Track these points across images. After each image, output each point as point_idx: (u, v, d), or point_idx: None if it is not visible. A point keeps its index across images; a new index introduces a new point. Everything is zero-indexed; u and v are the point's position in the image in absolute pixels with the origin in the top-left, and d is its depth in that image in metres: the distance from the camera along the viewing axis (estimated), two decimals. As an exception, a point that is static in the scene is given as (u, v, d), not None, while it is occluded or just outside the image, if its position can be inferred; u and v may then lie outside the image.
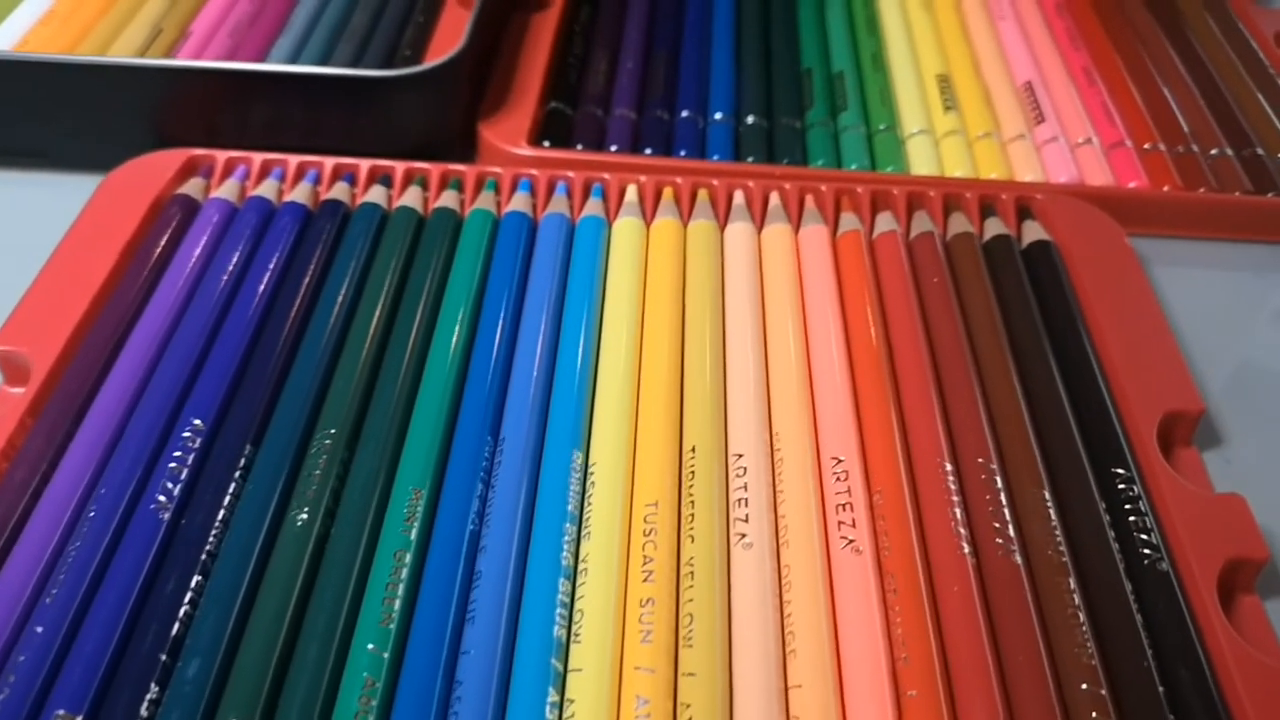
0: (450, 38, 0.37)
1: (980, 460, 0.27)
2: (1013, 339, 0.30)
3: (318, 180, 0.35)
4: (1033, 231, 0.34)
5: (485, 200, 0.34)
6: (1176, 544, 0.25)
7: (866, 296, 0.31)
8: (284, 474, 0.26)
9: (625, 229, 0.33)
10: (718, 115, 0.38)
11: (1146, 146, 0.37)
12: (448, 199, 0.34)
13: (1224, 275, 0.35)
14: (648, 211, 0.34)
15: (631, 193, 0.35)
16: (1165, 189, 0.36)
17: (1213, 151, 0.37)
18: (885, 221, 0.34)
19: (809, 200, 0.35)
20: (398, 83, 0.34)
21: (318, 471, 0.26)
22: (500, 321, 0.30)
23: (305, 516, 0.25)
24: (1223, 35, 0.43)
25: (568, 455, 0.27)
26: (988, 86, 0.40)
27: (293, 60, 0.39)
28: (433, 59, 0.36)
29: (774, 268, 0.32)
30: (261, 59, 0.39)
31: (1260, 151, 0.37)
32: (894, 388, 0.29)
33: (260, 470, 0.26)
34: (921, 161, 0.37)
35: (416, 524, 0.25)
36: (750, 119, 0.38)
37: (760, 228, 0.34)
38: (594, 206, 0.34)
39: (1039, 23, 0.43)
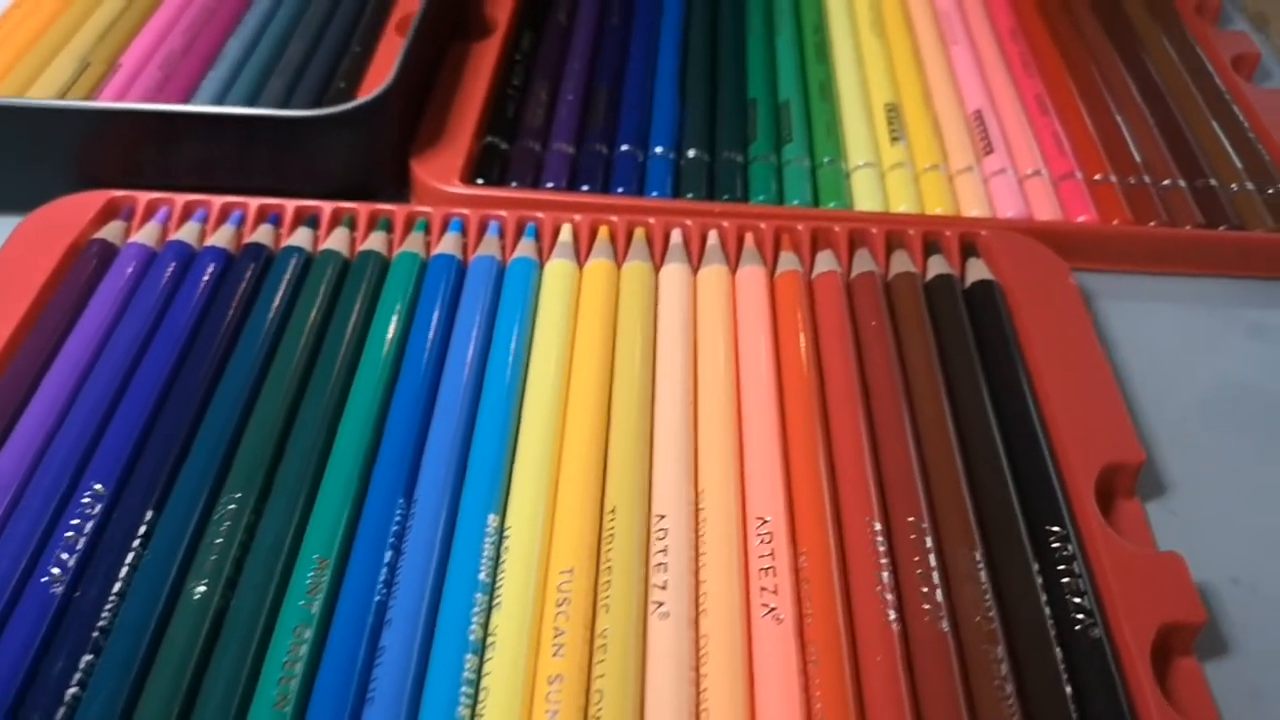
0: (388, 68, 0.36)
1: (911, 519, 0.26)
2: (951, 386, 0.29)
3: (242, 222, 0.34)
4: (976, 270, 0.33)
5: (414, 242, 0.33)
6: (1111, 607, 0.24)
7: (802, 343, 0.30)
8: (185, 542, 0.25)
9: (556, 272, 0.32)
10: (658, 149, 0.37)
11: (1097, 178, 0.36)
12: (374, 241, 0.33)
13: (1175, 311, 0.34)
14: (582, 251, 0.33)
15: (566, 232, 0.34)
16: (1115, 223, 0.35)
17: (1165, 183, 0.36)
18: (825, 261, 0.33)
19: (748, 239, 0.34)
20: (321, 122, 0.33)
21: (219, 539, 0.25)
22: (421, 373, 0.29)
23: (204, 589, 0.24)
24: (1180, 60, 0.42)
25: (482, 519, 0.26)
26: (937, 115, 0.39)
27: (223, 94, 0.38)
28: (368, 92, 0.35)
29: (708, 313, 0.31)
30: (191, 92, 0.38)
31: (1213, 183, 0.36)
32: (826, 441, 0.28)
33: (160, 538, 0.25)
34: (866, 196, 0.36)
35: (320, 595, 0.24)
36: (691, 153, 0.37)
37: (697, 268, 0.33)
38: (526, 248, 0.33)
39: (992, 47, 0.42)
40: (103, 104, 0.37)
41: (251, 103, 0.38)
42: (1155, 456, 0.30)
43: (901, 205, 0.35)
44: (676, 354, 0.30)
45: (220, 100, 0.38)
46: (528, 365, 0.30)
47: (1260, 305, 0.35)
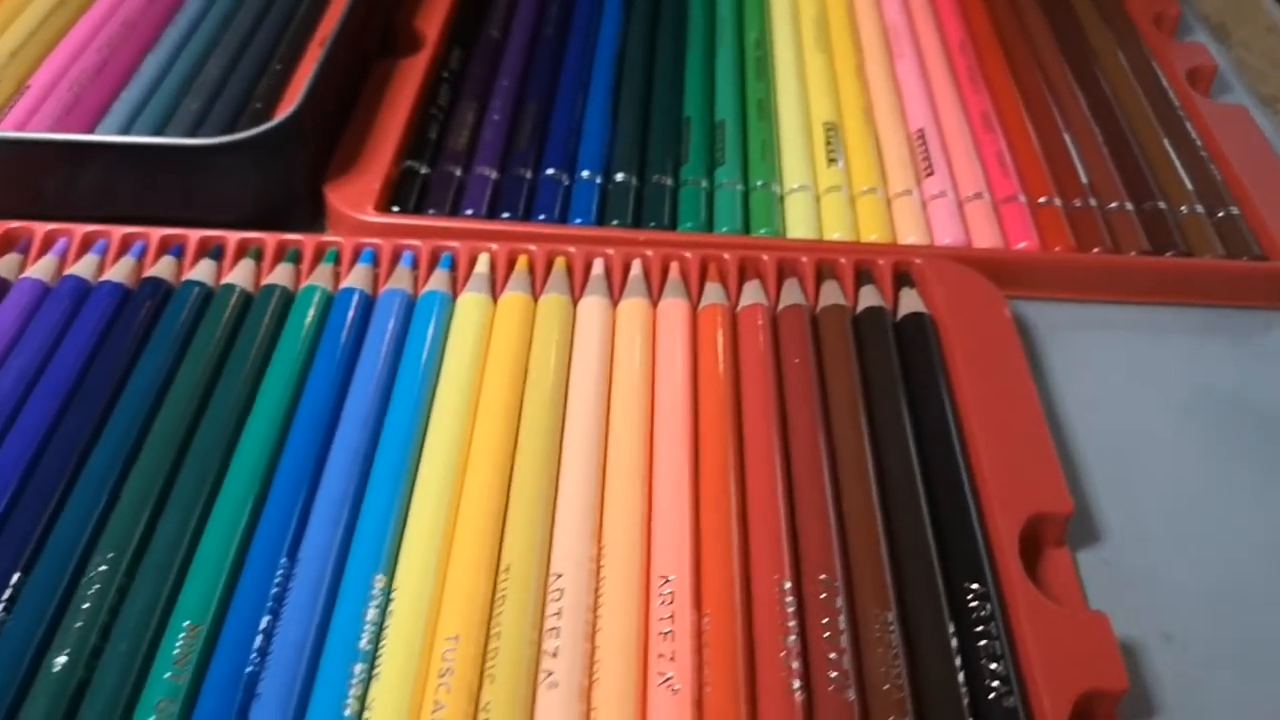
0: (327, 78, 0.35)
1: (823, 577, 0.24)
2: (875, 429, 0.28)
3: (143, 254, 0.32)
4: (909, 302, 0.31)
5: (321, 274, 0.32)
6: (1029, 673, 0.23)
7: (721, 383, 0.29)
8: (51, 607, 0.24)
9: (468, 306, 0.31)
10: (585, 173, 0.35)
11: (1041, 200, 0.35)
12: (280, 274, 0.32)
13: (1118, 341, 0.33)
14: (499, 283, 0.32)
15: (482, 263, 0.32)
16: (1056, 249, 0.33)
17: (1111, 205, 0.35)
18: (751, 293, 0.31)
19: (672, 269, 0.32)
20: (222, 150, 0.32)
21: (86, 605, 0.23)
22: (316, 419, 0.28)
23: (65, 659, 0.22)
24: (1133, 74, 0.41)
25: (368, 579, 0.24)
26: (879, 134, 0.37)
27: (135, 116, 0.37)
28: (285, 111, 0.34)
29: (625, 350, 0.30)
30: (101, 115, 0.37)
31: (1162, 205, 0.35)
32: (740, 491, 0.26)
33: (26, 603, 0.24)
34: (799, 221, 0.34)
35: (189, 666, 0.23)
36: (620, 176, 0.35)
37: (617, 301, 0.31)
38: (439, 279, 0.32)
39: (940, 62, 0.41)
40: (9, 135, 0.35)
41: (163, 125, 0.36)
42: (1091, 500, 0.29)
43: (835, 232, 0.34)
44: (588, 396, 0.28)
45: (130, 123, 0.36)
46: (430, 409, 0.28)
47: (1208, 335, 0.33)
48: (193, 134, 0.36)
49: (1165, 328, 0.33)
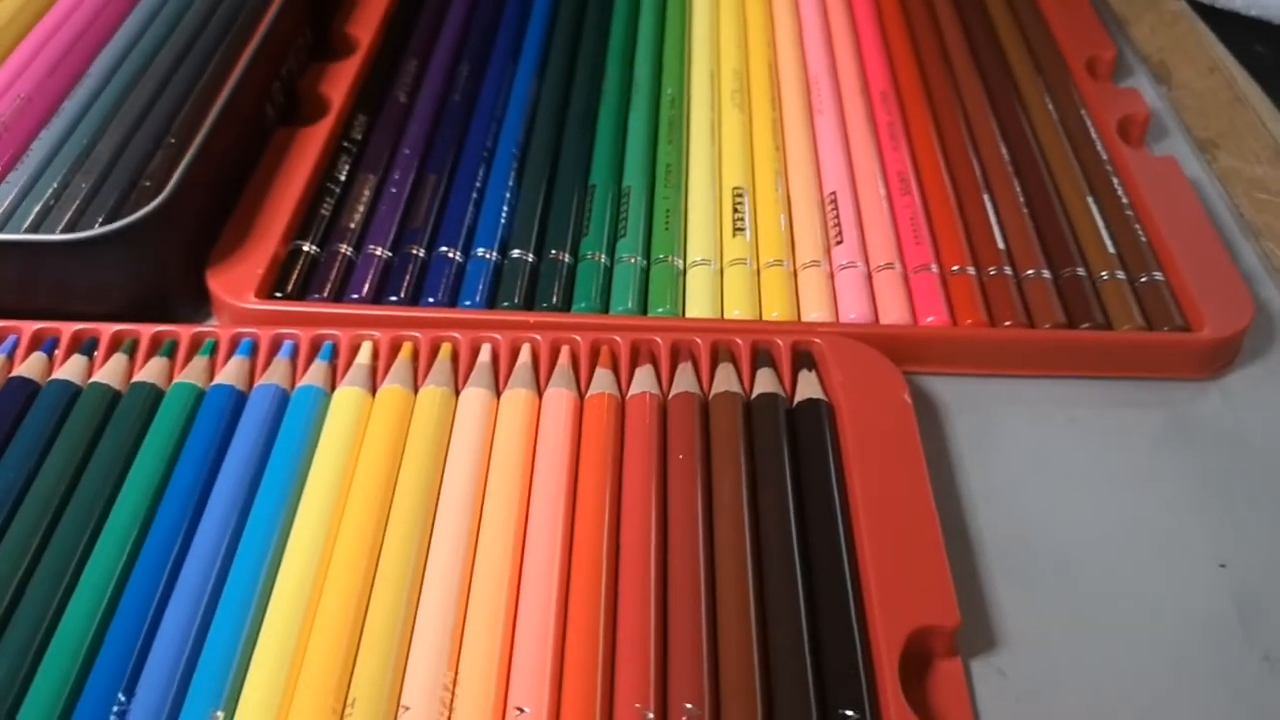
0: (206, 162, 0.34)
1: (689, 705, 0.23)
2: (759, 530, 0.27)
3: (15, 349, 0.31)
4: (807, 386, 0.30)
5: (195, 369, 0.31)
6: (902, 813, 0.22)
7: (601, 483, 0.27)
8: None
9: (343, 403, 0.29)
10: (480, 250, 0.34)
11: (954, 269, 0.33)
12: (152, 369, 0.30)
13: (1030, 418, 0.31)
14: (380, 372, 0.31)
15: (364, 353, 0.31)
16: (968, 322, 0.32)
17: (1028, 273, 0.33)
18: (642, 380, 0.30)
19: (562, 354, 0.31)
20: (88, 245, 0.31)
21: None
22: (174, 527, 0.26)
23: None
24: (1062, 126, 0.39)
25: (205, 717, 0.23)
26: (791, 198, 0.36)
27: (24, 194, 0.36)
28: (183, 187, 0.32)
29: (504, 447, 0.28)
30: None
31: (1081, 272, 0.33)
32: (610, 604, 0.25)
33: None
34: (699, 298, 0.33)
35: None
36: (515, 253, 0.34)
37: (502, 391, 0.30)
38: (317, 373, 0.30)
39: (861, 116, 0.39)
40: None
41: (51, 206, 0.35)
42: (990, 598, 0.27)
43: (736, 309, 0.32)
44: (459, 499, 0.27)
45: (19, 201, 0.35)
46: (292, 516, 0.27)
47: (1126, 409, 0.32)
48: (81, 215, 0.35)
49: (1080, 402, 0.32)
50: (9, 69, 0.40)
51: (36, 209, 0.35)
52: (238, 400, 0.30)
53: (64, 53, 0.41)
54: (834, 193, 0.36)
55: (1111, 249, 0.34)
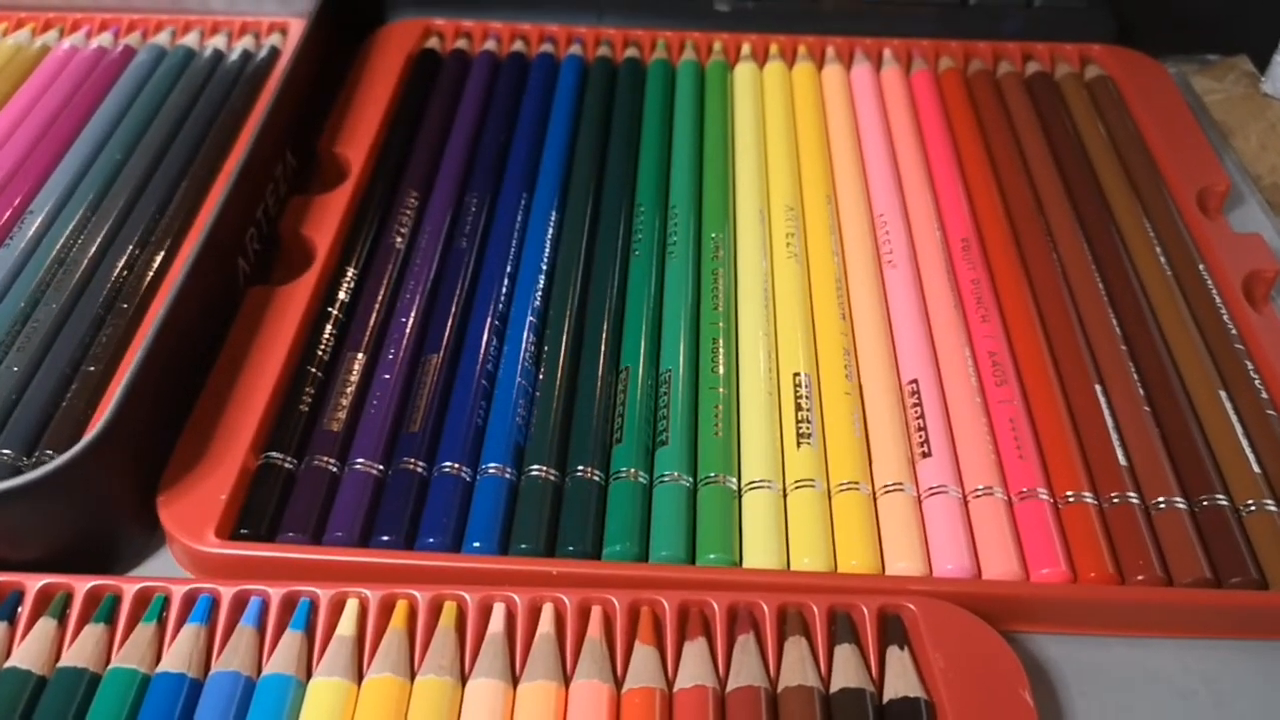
0: (163, 347, 0.28)
1: None
2: None
3: (-87, 610, 0.25)
4: (899, 675, 0.24)
5: (138, 644, 0.24)
6: None
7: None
8: None
9: (321, 696, 0.24)
10: (491, 466, 0.28)
11: (1068, 496, 0.27)
12: (83, 646, 0.24)
13: (1168, 693, 0.25)
14: (368, 648, 0.25)
15: (346, 622, 0.25)
16: (1091, 576, 0.26)
17: (1158, 502, 0.27)
18: (694, 664, 0.24)
19: (593, 623, 0.25)
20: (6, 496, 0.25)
21: None
22: None
23: None
24: (1178, 285, 0.33)
25: None
26: (863, 389, 0.30)
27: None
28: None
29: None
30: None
31: (1222, 500, 0.27)
32: None
33: None
34: (760, 538, 0.26)
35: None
36: (535, 469, 0.28)
37: (518, 680, 0.24)
38: (287, 651, 0.24)
39: (939, 270, 0.33)
40: None
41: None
42: None
43: (806, 556, 0.26)
44: None
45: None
46: None
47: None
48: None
49: (1228, 674, 0.26)
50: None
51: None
52: (191, 691, 0.24)
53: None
54: (915, 381, 0.30)
55: (1256, 467, 0.28)
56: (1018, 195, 0.36)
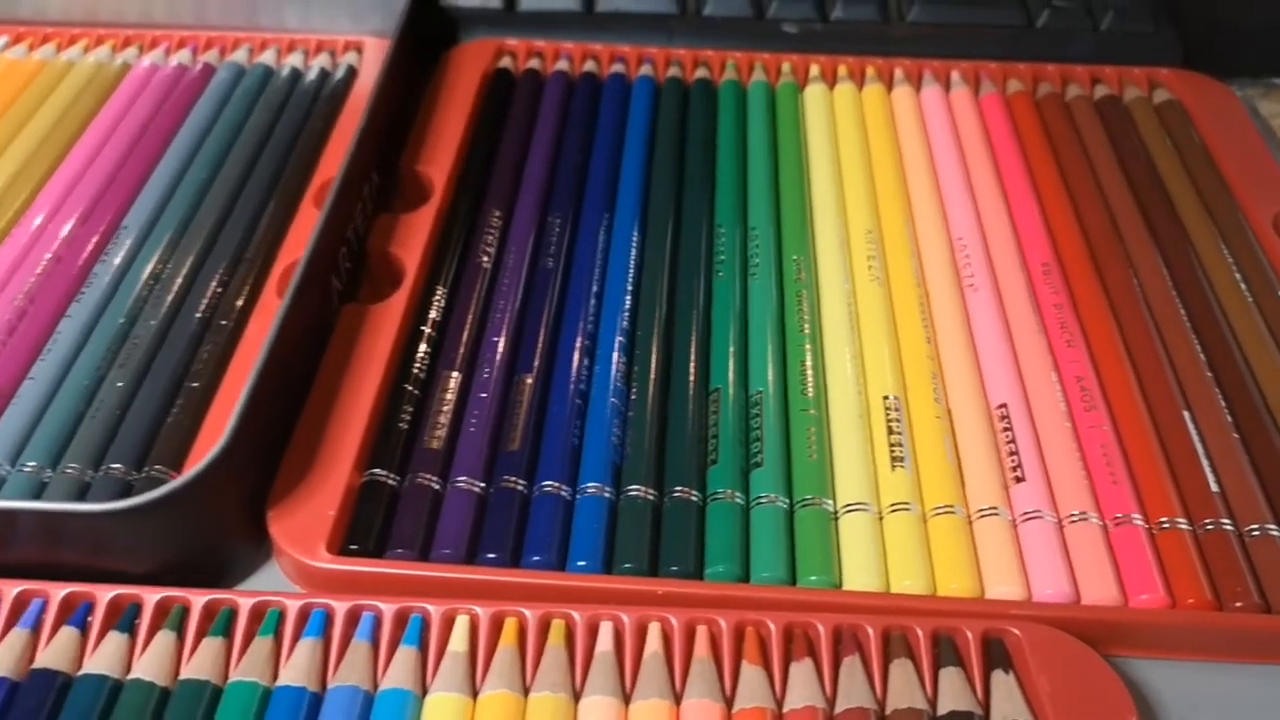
0: (273, 365, 0.28)
1: None
2: None
3: (40, 620, 0.26)
4: (1006, 700, 0.24)
5: (256, 657, 0.25)
6: None
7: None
8: None
9: (439, 711, 0.24)
10: (590, 485, 0.28)
11: (1163, 522, 0.28)
12: (204, 657, 0.25)
13: (1267, 716, 0.26)
14: (480, 662, 0.25)
15: (458, 638, 0.25)
16: (1189, 602, 0.26)
17: (1252, 529, 0.28)
18: (802, 684, 0.24)
19: (699, 642, 0.25)
20: (123, 515, 0.25)
21: None
22: None
23: None
24: (1259, 309, 0.33)
25: None
26: (952, 413, 0.30)
27: (38, 415, 0.30)
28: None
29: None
30: (6, 399, 0.30)
31: (1319, 526, 0.28)
32: None
33: None
34: (859, 561, 0.27)
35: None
36: (634, 490, 0.28)
37: (630, 694, 0.25)
38: (403, 666, 0.25)
39: (1021, 294, 0.33)
40: None
41: (76, 419, 0.30)
42: None
43: (906, 578, 0.26)
44: None
45: (39, 416, 0.30)
46: None
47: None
48: (109, 443, 0.29)
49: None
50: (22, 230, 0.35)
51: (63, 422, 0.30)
52: (310, 706, 0.24)
53: (91, 205, 0.36)
54: (1004, 405, 0.30)
55: (1348, 494, 0.29)
56: (1094, 219, 0.37)
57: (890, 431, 0.30)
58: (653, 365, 0.32)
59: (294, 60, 0.43)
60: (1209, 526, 0.28)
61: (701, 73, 0.43)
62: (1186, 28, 0.45)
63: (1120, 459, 0.29)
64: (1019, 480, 0.29)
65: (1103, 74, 0.43)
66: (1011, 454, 0.29)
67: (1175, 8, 0.46)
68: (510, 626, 0.26)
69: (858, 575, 0.27)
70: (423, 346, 0.32)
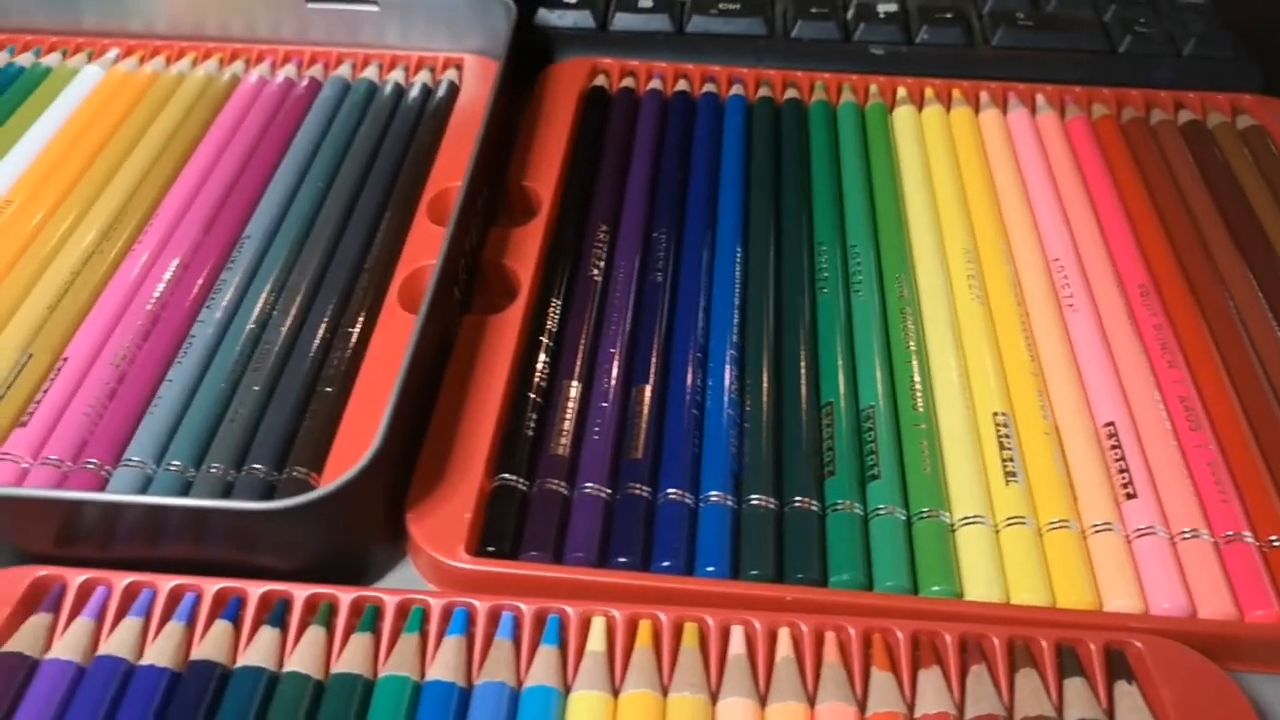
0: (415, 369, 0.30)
1: None
2: None
3: (194, 613, 0.27)
4: (1131, 710, 0.25)
5: (404, 653, 0.26)
6: None
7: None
8: None
9: (582, 708, 0.25)
10: (713, 494, 0.29)
11: (1273, 540, 0.28)
12: (354, 652, 0.26)
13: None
14: (618, 665, 0.26)
15: (596, 638, 0.26)
16: (1303, 617, 0.27)
17: (1362, 546, 0.29)
18: (931, 691, 0.25)
19: (829, 648, 0.26)
20: (278, 515, 0.26)
21: None
22: None
23: None
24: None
25: None
26: (1060, 431, 0.31)
27: (184, 408, 0.32)
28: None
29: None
30: (148, 399, 0.32)
31: None
32: None
33: None
34: (979, 573, 0.28)
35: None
36: (755, 499, 0.29)
37: (765, 697, 0.26)
38: (545, 663, 0.26)
39: (1120, 314, 0.34)
40: (20, 490, 0.28)
41: (215, 420, 0.31)
42: None
43: (1025, 591, 0.27)
44: None
45: (180, 417, 0.31)
46: None
47: None
48: (250, 441, 0.31)
49: None
50: (155, 232, 0.37)
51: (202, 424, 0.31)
52: (459, 701, 0.25)
53: (213, 214, 0.38)
54: (1111, 423, 0.31)
55: None
56: (1186, 241, 0.37)
57: (1001, 447, 0.31)
58: (764, 379, 0.33)
59: (396, 76, 0.44)
60: (1320, 544, 0.29)
61: (792, 93, 0.44)
62: (1266, 55, 0.46)
63: (1228, 478, 0.30)
64: (1130, 497, 0.29)
65: (1186, 99, 0.44)
66: (1121, 471, 0.30)
67: (1255, 36, 0.47)
68: (645, 628, 0.27)
69: (977, 587, 0.28)
70: (542, 356, 0.33)
